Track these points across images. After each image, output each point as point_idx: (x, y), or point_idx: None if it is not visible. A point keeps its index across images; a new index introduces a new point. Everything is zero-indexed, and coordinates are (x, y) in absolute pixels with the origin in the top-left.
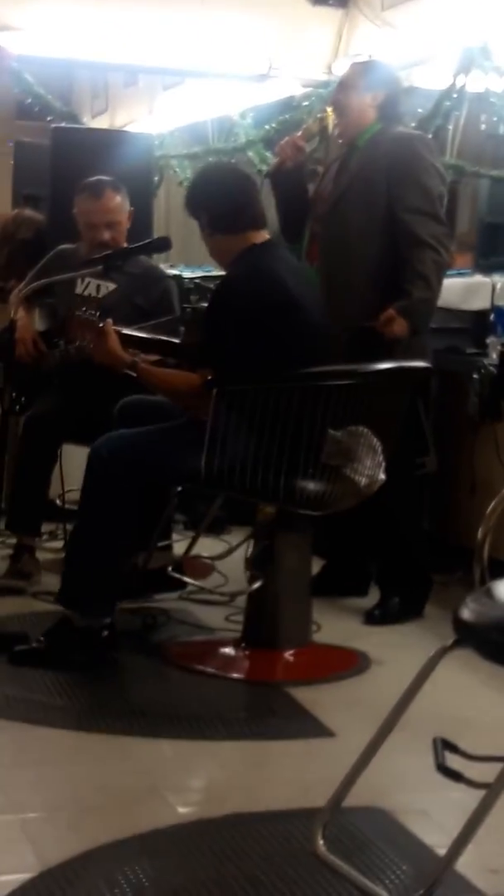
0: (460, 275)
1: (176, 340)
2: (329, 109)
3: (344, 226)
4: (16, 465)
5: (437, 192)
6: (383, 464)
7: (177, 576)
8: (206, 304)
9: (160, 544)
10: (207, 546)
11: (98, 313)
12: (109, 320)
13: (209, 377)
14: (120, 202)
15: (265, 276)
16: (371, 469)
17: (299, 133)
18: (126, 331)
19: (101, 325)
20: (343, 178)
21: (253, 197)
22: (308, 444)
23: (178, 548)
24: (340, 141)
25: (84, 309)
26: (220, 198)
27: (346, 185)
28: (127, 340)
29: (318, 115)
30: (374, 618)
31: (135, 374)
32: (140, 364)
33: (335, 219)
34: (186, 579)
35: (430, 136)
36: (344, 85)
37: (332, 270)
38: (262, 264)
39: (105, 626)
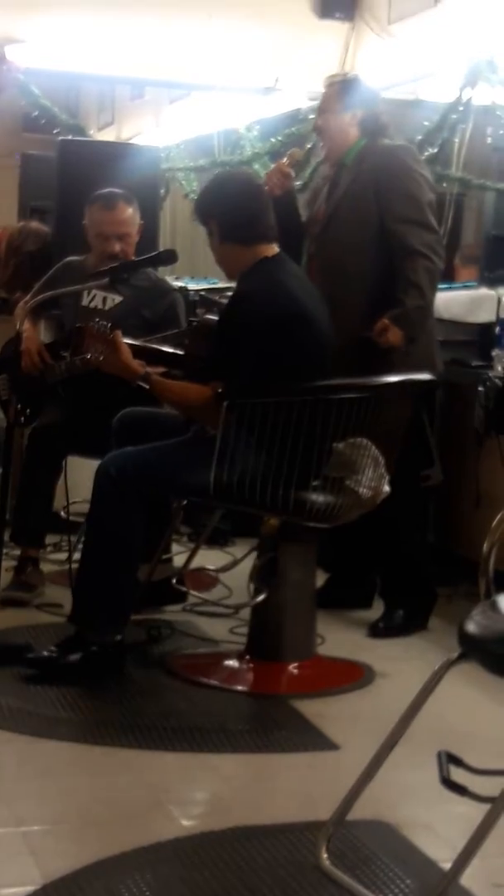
0: (466, 287)
1: (181, 352)
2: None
3: (337, 243)
4: (21, 477)
5: (425, 200)
6: (386, 476)
7: (181, 588)
8: (211, 316)
9: (163, 557)
10: (212, 558)
11: (109, 324)
12: (118, 332)
13: (220, 390)
14: (131, 214)
15: (280, 290)
16: (374, 480)
17: (285, 160)
18: (134, 342)
19: (111, 336)
20: (333, 198)
21: (266, 208)
22: (317, 456)
23: (181, 560)
24: (327, 163)
25: (97, 319)
26: (234, 207)
27: (337, 204)
28: (135, 352)
29: (298, 148)
30: (379, 630)
31: (147, 386)
32: (152, 376)
33: (328, 237)
34: (192, 592)
35: (435, 149)
36: (322, 109)
37: (329, 288)
38: (275, 278)
39: (116, 642)
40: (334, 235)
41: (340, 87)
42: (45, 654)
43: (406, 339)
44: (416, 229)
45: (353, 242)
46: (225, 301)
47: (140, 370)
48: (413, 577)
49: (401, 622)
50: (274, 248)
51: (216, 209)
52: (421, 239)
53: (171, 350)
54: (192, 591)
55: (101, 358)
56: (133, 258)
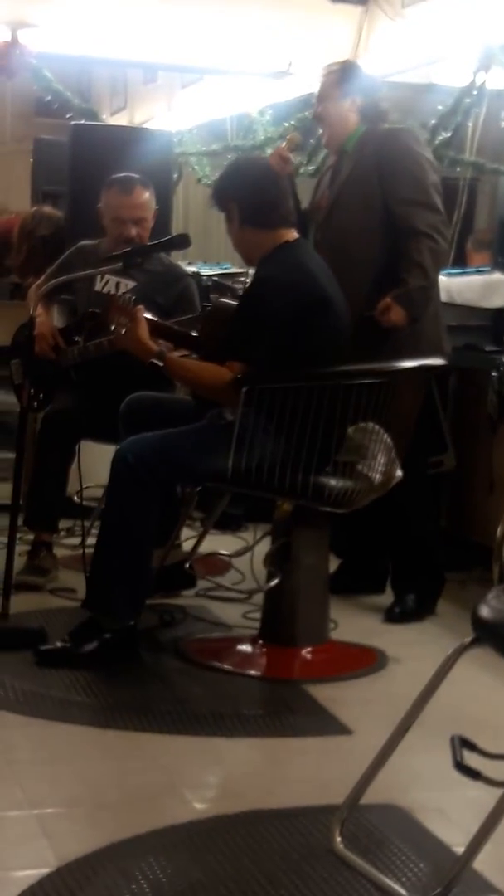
0: (479, 272)
1: (195, 333)
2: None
3: (343, 228)
4: (34, 462)
5: (429, 181)
6: (398, 461)
7: (192, 572)
8: (226, 300)
9: (176, 542)
10: (225, 543)
11: (133, 297)
12: (141, 307)
13: (239, 375)
14: (148, 199)
15: (302, 274)
16: (385, 465)
17: (283, 144)
18: (154, 318)
19: (133, 309)
20: (336, 184)
21: (286, 194)
22: (333, 440)
23: (191, 544)
24: (328, 150)
25: (124, 293)
26: (254, 191)
27: (340, 190)
28: (154, 329)
29: (296, 133)
30: (395, 616)
31: (161, 364)
32: (168, 354)
33: (333, 223)
34: (205, 577)
35: (448, 133)
36: (321, 97)
37: (335, 273)
38: (297, 262)
39: (130, 627)
40: (338, 221)
41: (339, 75)
42: (59, 644)
43: (409, 319)
44: (420, 210)
45: (358, 227)
46: (238, 286)
47: (155, 349)
48: (424, 562)
49: (414, 607)
50: (293, 234)
51: (236, 193)
52: (425, 220)
53: (185, 331)
54: (206, 576)
55: (124, 331)
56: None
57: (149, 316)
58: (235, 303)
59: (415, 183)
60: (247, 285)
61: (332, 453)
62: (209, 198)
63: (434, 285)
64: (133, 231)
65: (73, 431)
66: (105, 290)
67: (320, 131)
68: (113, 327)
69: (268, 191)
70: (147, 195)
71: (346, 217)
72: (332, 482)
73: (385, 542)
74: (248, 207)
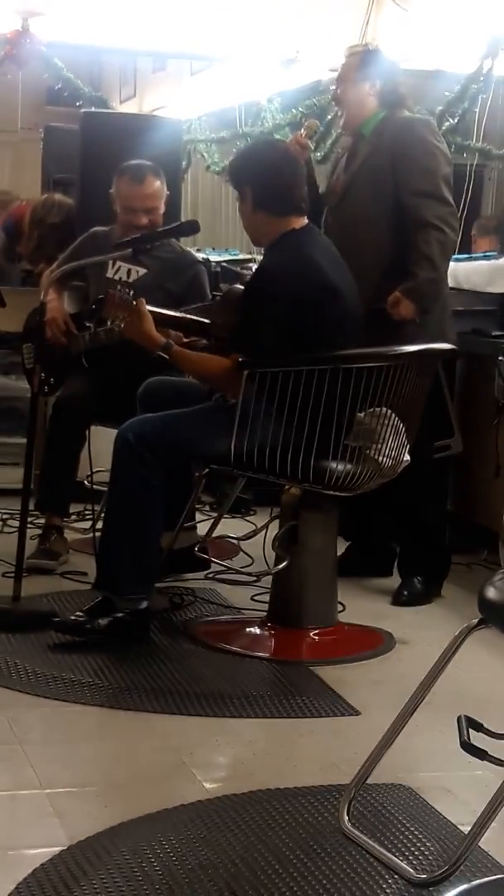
0: (486, 257)
1: (207, 321)
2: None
3: (354, 214)
4: (45, 447)
5: (441, 174)
6: (407, 445)
7: (203, 556)
8: (238, 286)
9: (186, 525)
10: (233, 527)
11: (132, 292)
12: (142, 299)
13: (241, 359)
14: (159, 187)
15: (307, 264)
16: (395, 450)
17: (302, 131)
18: (159, 310)
19: (134, 304)
20: (351, 169)
21: (302, 181)
22: (336, 426)
23: (204, 528)
24: (344, 133)
25: (119, 287)
26: (272, 177)
27: (354, 174)
28: (160, 320)
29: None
30: (402, 599)
31: (167, 357)
32: (173, 346)
33: (345, 208)
34: (214, 560)
35: (455, 119)
36: (341, 79)
37: (346, 258)
38: (301, 251)
39: (143, 609)
40: (351, 206)
41: (361, 58)
42: (73, 618)
43: (418, 312)
44: (430, 202)
45: (370, 214)
46: (246, 272)
47: (161, 340)
48: (430, 545)
49: (422, 590)
50: (303, 220)
51: (252, 177)
52: (434, 211)
53: (196, 318)
54: (215, 559)
55: (122, 325)
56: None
57: (152, 308)
58: None
59: (427, 174)
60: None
61: (335, 438)
62: (225, 173)
63: (443, 277)
64: (144, 220)
65: (84, 416)
66: (117, 277)
67: (339, 114)
68: (110, 322)
69: (284, 178)
70: (158, 184)
71: (358, 203)
72: (335, 466)
73: (393, 525)
74: (263, 193)
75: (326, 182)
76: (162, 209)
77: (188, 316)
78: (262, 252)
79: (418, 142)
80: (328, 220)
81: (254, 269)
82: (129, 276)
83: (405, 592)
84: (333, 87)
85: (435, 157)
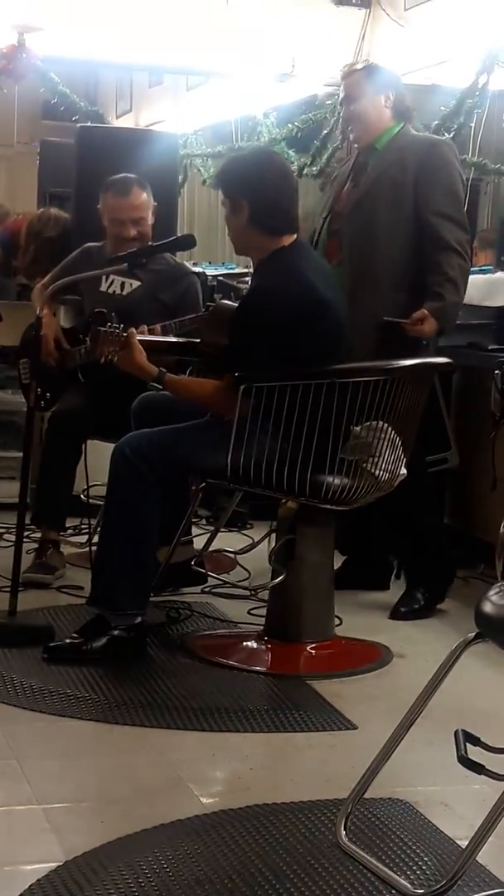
0: (482, 271)
1: (196, 340)
2: None
3: (371, 224)
4: (41, 461)
5: (462, 199)
6: (403, 458)
7: (200, 570)
8: (227, 301)
9: (182, 539)
10: (230, 541)
11: (122, 326)
12: (132, 330)
13: (236, 374)
14: (146, 199)
15: (300, 284)
16: (391, 463)
17: None
18: (148, 338)
19: (125, 335)
20: (363, 178)
21: (297, 198)
22: (332, 439)
23: (201, 542)
24: (356, 145)
25: (109, 325)
26: (270, 196)
27: (371, 185)
28: (150, 348)
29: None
30: (400, 614)
31: (161, 387)
32: (166, 375)
33: (360, 217)
34: (210, 574)
35: (451, 134)
36: (350, 97)
37: (360, 268)
38: (295, 273)
39: (138, 624)
40: (368, 216)
41: (366, 72)
42: (68, 641)
43: (438, 333)
44: (452, 226)
45: (388, 225)
46: (242, 286)
47: (153, 371)
48: (430, 558)
49: (422, 603)
50: (293, 237)
51: (251, 193)
52: (456, 236)
53: (185, 340)
54: (211, 574)
55: (115, 359)
56: (150, 241)
57: (141, 337)
58: (236, 304)
59: (451, 197)
60: (244, 292)
61: (332, 452)
62: (215, 179)
63: (462, 301)
64: (133, 231)
65: (80, 430)
66: (111, 291)
67: (349, 130)
68: (103, 360)
69: (282, 197)
70: (144, 195)
71: (375, 216)
72: (332, 480)
73: (389, 539)
74: (261, 211)
75: (325, 192)
76: (150, 220)
77: (178, 340)
78: (253, 266)
79: (446, 163)
80: (335, 226)
81: (248, 288)
82: (122, 288)
83: (402, 609)
84: (330, 103)
85: (458, 182)
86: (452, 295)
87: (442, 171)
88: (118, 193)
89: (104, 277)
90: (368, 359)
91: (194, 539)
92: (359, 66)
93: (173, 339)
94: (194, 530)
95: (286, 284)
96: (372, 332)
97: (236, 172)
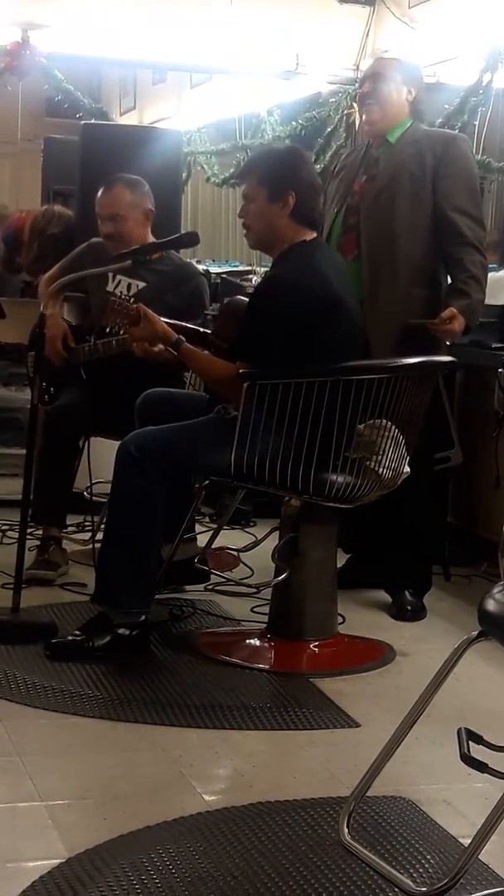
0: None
1: (207, 331)
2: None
3: (391, 219)
4: (40, 457)
5: (479, 195)
6: (407, 456)
7: (203, 567)
8: (241, 297)
9: (185, 536)
10: (233, 538)
11: (132, 299)
12: (141, 304)
13: (242, 370)
14: (129, 199)
15: (316, 278)
16: (395, 461)
17: None
18: (162, 319)
19: (135, 307)
20: (378, 172)
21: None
22: (336, 437)
23: (204, 540)
24: (366, 128)
25: (121, 294)
26: (314, 190)
27: (389, 179)
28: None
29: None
30: (406, 614)
31: (176, 353)
32: (184, 342)
33: (379, 211)
34: (213, 572)
35: (455, 132)
36: (381, 76)
37: (378, 261)
38: (310, 264)
39: (142, 622)
40: (387, 210)
41: (398, 62)
42: (70, 638)
43: (464, 330)
44: (472, 223)
45: (407, 219)
46: (246, 284)
47: (173, 336)
48: (419, 557)
49: (418, 605)
50: (314, 233)
51: (298, 186)
52: (476, 234)
53: (195, 327)
54: (214, 571)
55: (123, 332)
56: (135, 242)
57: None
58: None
59: (471, 193)
60: (257, 282)
61: (336, 450)
62: (246, 171)
63: (485, 298)
64: (109, 228)
65: (78, 428)
66: (117, 291)
67: (361, 112)
68: (109, 329)
69: (319, 193)
70: (128, 195)
71: (396, 207)
72: (335, 478)
73: (391, 537)
74: (306, 202)
75: (332, 186)
76: (135, 220)
77: (188, 325)
78: (270, 260)
79: (467, 161)
80: (350, 220)
81: (258, 279)
82: (128, 289)
83: (396, 609)
84: (334, 100)
85: (476, 178)
86: (477, 292)
87: (461, 166)
88: (103, 190)
89: (111, 278)
90: (387, 354)
91: (197, 536)
92: (393, 56)
93: (184, 325)
94: (197, 528)
95: (300, 276)
96: (393, 331)
97: (282, 165)
